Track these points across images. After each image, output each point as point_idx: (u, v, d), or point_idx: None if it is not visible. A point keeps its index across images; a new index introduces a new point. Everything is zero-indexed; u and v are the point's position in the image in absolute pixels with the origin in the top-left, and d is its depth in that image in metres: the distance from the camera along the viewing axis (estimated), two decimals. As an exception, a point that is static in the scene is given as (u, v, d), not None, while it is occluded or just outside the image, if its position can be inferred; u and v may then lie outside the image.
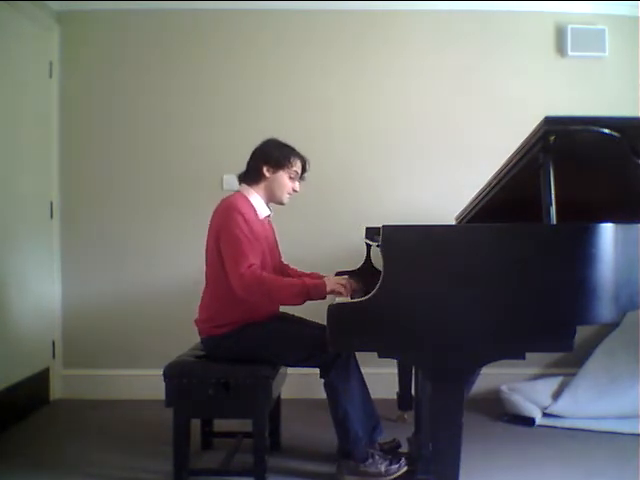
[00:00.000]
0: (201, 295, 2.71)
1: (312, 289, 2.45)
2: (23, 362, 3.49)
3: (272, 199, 2.74)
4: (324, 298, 2.46)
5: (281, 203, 2.75)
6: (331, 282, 2.49)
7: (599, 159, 2.20)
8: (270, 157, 2.68)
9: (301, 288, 2.45)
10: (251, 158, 2.75)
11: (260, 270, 2.48)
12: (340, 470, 2.61)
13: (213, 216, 2.66)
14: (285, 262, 2.99)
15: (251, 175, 2.72)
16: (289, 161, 2.68)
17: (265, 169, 2.68)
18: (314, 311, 2.62)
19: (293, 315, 2.86)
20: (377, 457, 2.56)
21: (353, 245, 3.53)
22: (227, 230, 2.53)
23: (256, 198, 2.70)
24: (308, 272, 2.95)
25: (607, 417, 3.27)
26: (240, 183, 2.76)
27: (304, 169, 2.76)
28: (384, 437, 2.70)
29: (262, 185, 2.70)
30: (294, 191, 2.74)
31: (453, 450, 1.99)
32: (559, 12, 3.88)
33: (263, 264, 2.59)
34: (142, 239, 3.88)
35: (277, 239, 2.91)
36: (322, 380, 2.56)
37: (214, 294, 2.63)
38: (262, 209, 2.70)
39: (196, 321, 2.69)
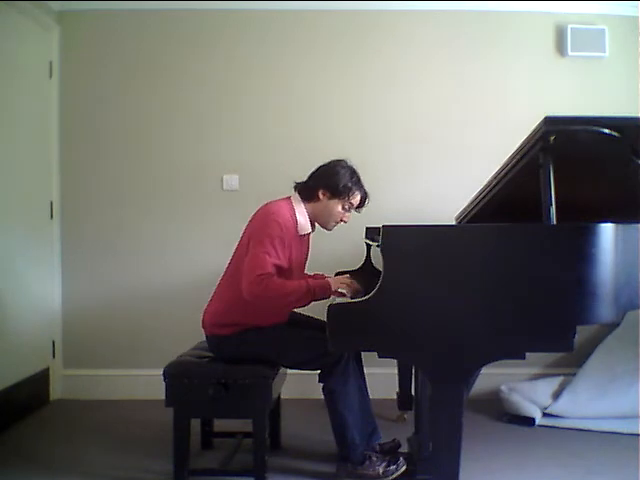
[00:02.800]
0: (215, 288, 2.70)
1: (318, 289, 2.45)
2: (23, 362, 3.49)
3: (318, 221, 2.69)
4: (329, 297, 2.46)
5: (326, 229, 2.71)
6: (335, 281, 2.51)
7: (599, 159, 2.20)
8: (332, 184, 2.60)
9: (306, 291, 2.43)
10: (314, 175, 2.68)
11: (269, 278, 2.42)
12: (339, 473, 2.61)
13: (253, 216, 2.63)
14: None
15: (307, 192, 2.65)
16: (348, 194, 2.61)
17: (321, 192, 2.62)
18: (315, 310, 2.63)
19: (297, 313, 2.84)
20: (374, 459, 2.56)
21: (353, 245, 3.53)
22: (259, 233, 2.50)
23: (303, 214, 2.63)
24: (311, 274, 2.95)
25: (607, 417, 3.27)
26: (295, 191, 2.69)
27: (362, 203, 2.70)
28: (382, 439, 2.70)
29: (313, 205, 2.65)
30: (342, 221, 2.68)
31: (453, 450, 1.99)
32: (559, 12, 3.87)
33: (287, 278, 2.54)
34: (142, 239, 3.87)
35: (309, 253, 2.84)
36: (321, 384, 2.57)
37: (226, 293, 2.62)
38: (305, 226, 2.64)
39: (205, 311, 2.68)
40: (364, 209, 2.75)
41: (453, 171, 3.85)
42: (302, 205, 2.65)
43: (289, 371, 2.88)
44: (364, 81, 3.88)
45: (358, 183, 2.66)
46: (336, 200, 2.62)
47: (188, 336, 2.94)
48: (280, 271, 2.49)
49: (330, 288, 2.47)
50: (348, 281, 2.52)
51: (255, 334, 2.56)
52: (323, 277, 2.86)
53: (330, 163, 2.68)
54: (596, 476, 2.65)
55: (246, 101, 3.87)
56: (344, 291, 2.45)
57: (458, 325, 1.97)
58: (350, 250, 3.56)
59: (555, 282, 1.94)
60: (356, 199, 2.66)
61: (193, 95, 3.87)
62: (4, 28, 3.32)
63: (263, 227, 2.51)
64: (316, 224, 2.72)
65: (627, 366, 3.38)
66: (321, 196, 2.62)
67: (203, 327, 2.68)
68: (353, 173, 2.66)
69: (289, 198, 2.68)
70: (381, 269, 2.01)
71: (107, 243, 3.87)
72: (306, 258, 2.82)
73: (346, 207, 2.64)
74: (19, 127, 3.48)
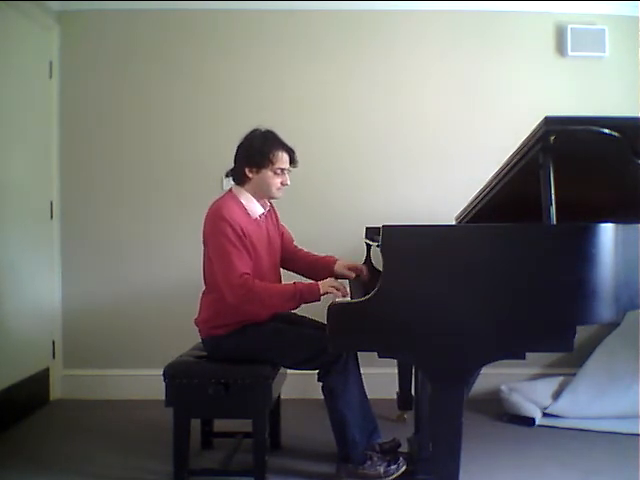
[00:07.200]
0: (200, 295, 2.72)
1: (305, 293, 2.43)
2: (23, 362, 3.49)
3: (263, 197, 2.69)
4: (319, 300, 2.44)
5: (273, 198, 2.71)
6: (325, 284, 2.46)
7: (599, 159, 2.20)
8: (251, 159, 2.59)
9: (293, 293, 2.43)
10: (236, 156, 2.68)
11: (251, 279, 2.44)
12: (339, 473, 2.60)
13: (205, 220, 2.63)
14: (298, 246, 2.95)
15: (237, 176, 2.67)
16: (269, 159, 2.58)
17: (247, 171, 2.61)
18: (315, 310, 2.63)
19: (294, 314, 2.85)
20: (375, 459, 2.55)
21: (353, 245, 3.53)
22: (214, 239, 2.52)
23: (247, 198, 2.64)
24: (322, 255, 2.92)
25: (607, 417, 3.27)
26: (232, 180, 2.72)
27: (291, 160, 2.67)
28: (383, 438, 2.69)
29: (249, 186, 2.65)
30: (283, 185, 2.65)
31: (453, 450, 1.99)
32: (559, 12, 3.87)
33: (259, 266, 2.57)
34: (142, 239, 3.88)
35: (281, 228, 2.86)
36: (320, 383, 2.56)
37: (213, 295, 2.62)
38: (254, 208, 2.65)
39: (196, 321, 2.69)
40: (296, 165, 2.70)
41: (453, 171, 3.85)
42: (243, 190, 2.65)
43: (289, 371, 2.88)
44: (363, 81, 3.88)
45: (275, 144, 2.62)
46: (263, 170, 2.59)
47: (188, 336, 2.93)
48: (252, 265, 2.49)
49: (319, 292, 2.44)
50: (336, 284, 2.48)
51: (252, 333, 2.56)
52: (332, 261, 2.85)
53: (243, 138, 2.67)
54: (596, 476, 2.66)
55: (246, 101, 3.86)
56: (336, 293, 2.42)
57: (458, 325, 1.97)
58: (350, 250, 3.56)
59: (555, 282, 1.94)
60: (281, 160, 2.61)
61: (193, 95, 3.87)
62: (4, 28, 3.32)
63: (215, 231, 2.51)
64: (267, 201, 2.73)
65: (627, 366, 3.37)
66: (249, 174, 2.60)
67: (199, 331, 2.68)
68: (266, 138, 2.63)
69: (230, 190, 2.69)
70: (381, 269, 2.01)
71: (107, 243, 3.87)
72: (278, 236, 2.80)
73: (277, 172, 2.60)
74: (19, 127, 3.48)
